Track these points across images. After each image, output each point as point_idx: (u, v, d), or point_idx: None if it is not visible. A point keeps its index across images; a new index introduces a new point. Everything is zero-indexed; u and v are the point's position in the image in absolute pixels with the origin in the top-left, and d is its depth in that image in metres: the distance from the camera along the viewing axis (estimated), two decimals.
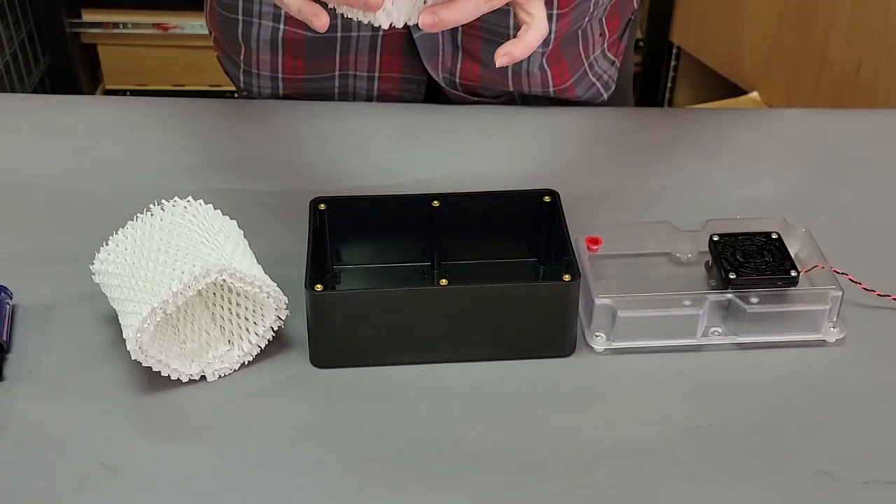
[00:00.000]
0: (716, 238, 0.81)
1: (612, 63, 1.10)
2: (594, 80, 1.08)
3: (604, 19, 1.04)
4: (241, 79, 1.08)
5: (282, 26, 1.00)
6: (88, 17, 2.14)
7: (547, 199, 0.81)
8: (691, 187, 0.96)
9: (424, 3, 0.68)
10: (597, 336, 0.77)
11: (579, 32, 1.03)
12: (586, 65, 1.06)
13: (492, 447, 0.70)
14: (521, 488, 0.67)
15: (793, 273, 0.77)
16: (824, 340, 0.78)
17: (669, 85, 2.16)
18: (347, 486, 0.67)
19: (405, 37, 1.00)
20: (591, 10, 1.01)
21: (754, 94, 1.86)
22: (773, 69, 1.80)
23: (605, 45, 1.08)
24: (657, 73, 2.16)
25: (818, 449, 0.70)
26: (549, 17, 0.98)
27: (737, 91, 1.90)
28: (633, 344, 0.77)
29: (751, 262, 0.78)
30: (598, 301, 0.76)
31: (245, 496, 0.67)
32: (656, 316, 0.76)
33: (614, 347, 0.77)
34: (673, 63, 2.12)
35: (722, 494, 0.67)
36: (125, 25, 2.14)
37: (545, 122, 1.05)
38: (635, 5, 1.09)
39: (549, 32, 0.99)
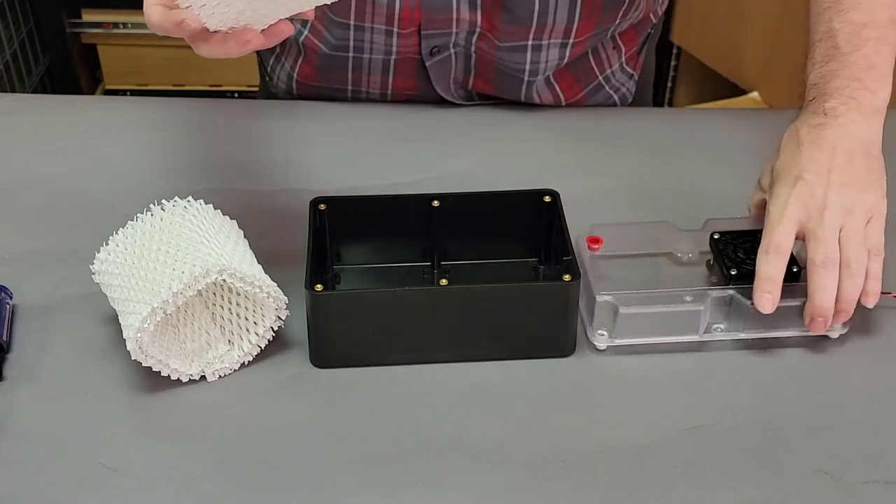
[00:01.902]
0: (716, 236, 0.81)
1: (631, 76, 1.10)
2: (611, 92, 1.08)
3: (617, 35, 1.04)
4: (271, 62, 1.09)
5: (305, 31, 1.00)
6: (88, 17, 2.14)
7: (547, 199, 0.81)
8: (691, 187, 0.96)
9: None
10: (599, 334, 0.77)
11: (589, 50, 1.03)
12: (601, 78, 1.06)
13: (492, 447, 0.70)
14: (521, 488, 0.67)
15: (794, 269, 0.78)
16: (826, 336, 0.78)
17: (669, 85, 2.16)
18: (347, 486, 0.67)
19: (418, 62, 1.00)
20: (607, 35, 1.01)
21: (754, 94, 1.86)
22: (773, 69, 1.80)
23: (624, 59, 1.07)
24: (657, 73, 2.16)
25: (818, 449, 0.70)
26: (565, 45, 0.98)
27: (737, 91, 1.90)
28: (636, 341, 0.77)
29: (752, 259, 0.78)
30: (600, 298, 0.76)
31: (245, 496, 0.67)
32: (658, 312, 0.76)
33: (617, 345, 0.77)
34: (673, 63, 2.12)
35: (722, 494, 0.67)
36: (125, 25, 2.13)
37: (546, 122, 1.05)
38: (654, 19, 1.08)
39: (563, 59, 0.99)
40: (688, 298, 0.77)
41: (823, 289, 0.74)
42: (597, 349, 0.77)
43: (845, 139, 0.77)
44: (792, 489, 0.67)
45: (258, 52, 1.12)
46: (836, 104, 0.79)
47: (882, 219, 0.77)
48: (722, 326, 0.78)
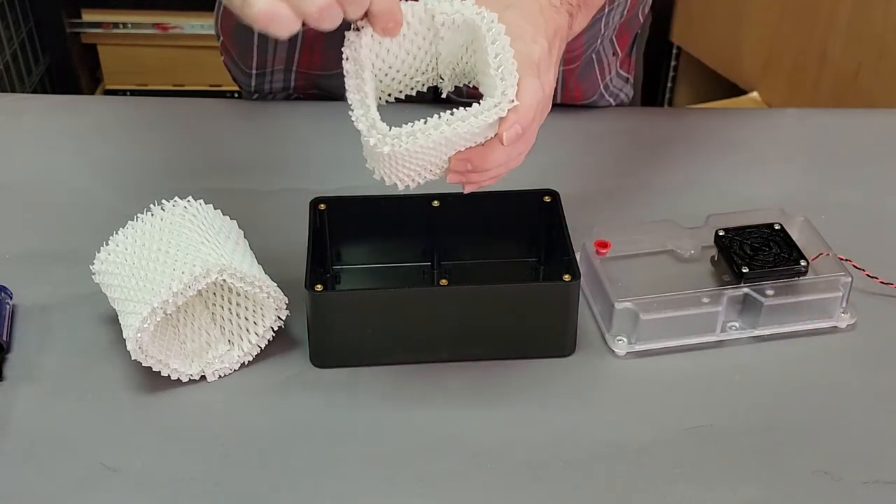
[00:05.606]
0: (721, 233, 0.81)
1: (626, 80, 1.10)
2: (611, 99, 1.08)
3: (614, 39, 1.04)
4: (253, 84, 1.08)
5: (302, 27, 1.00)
6: (88, 17, 2.13)
7: (547, 199, 0.81)
8: (691, 187, 0.96)
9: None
10: (618, 340, 0.77)
11: (593, 56, 1.03)
12: (601, 86, 1.06)
13: (492, 447, 0.70)
14: (521, 488, 0.67)
15: (802, 263, 0.78)
16: (836, 326, 0.79)
17: (669, 85, 2.16)
18: (347, 486, 0.67)
19: None
20: (602, 30, 1.01)
21: (754, 94, 1.86)
22: (773, 69, 1.80)
23: (618, 64, 1.07)
24: (657, 73, 2.16)
25: (818, 449, 0.70)
26: None
27: (737, 91, 1.90)
28: (656, 345, 0.77)
29: (760, 255, 0.78)
30: (619, 305, 0.76)
31: (245, 496, 0.67)
32: (678, 316, 0.76)
33: (637, 350, 0.77)
34: (673, 63, 2.12)
35: (722, 494, 0.67)
36: (125, 25, 2.14)
37: (545, 122, 1.04)
38: (641, 19, 1.08)
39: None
40: (705, 300, 0.77)
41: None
42: (610, 352, 0.77)
43: None
44: (792, 489, 0.67)
45: (233, 77, 1.12)
46: None
47: None
48: (736, 324, 0.78)
